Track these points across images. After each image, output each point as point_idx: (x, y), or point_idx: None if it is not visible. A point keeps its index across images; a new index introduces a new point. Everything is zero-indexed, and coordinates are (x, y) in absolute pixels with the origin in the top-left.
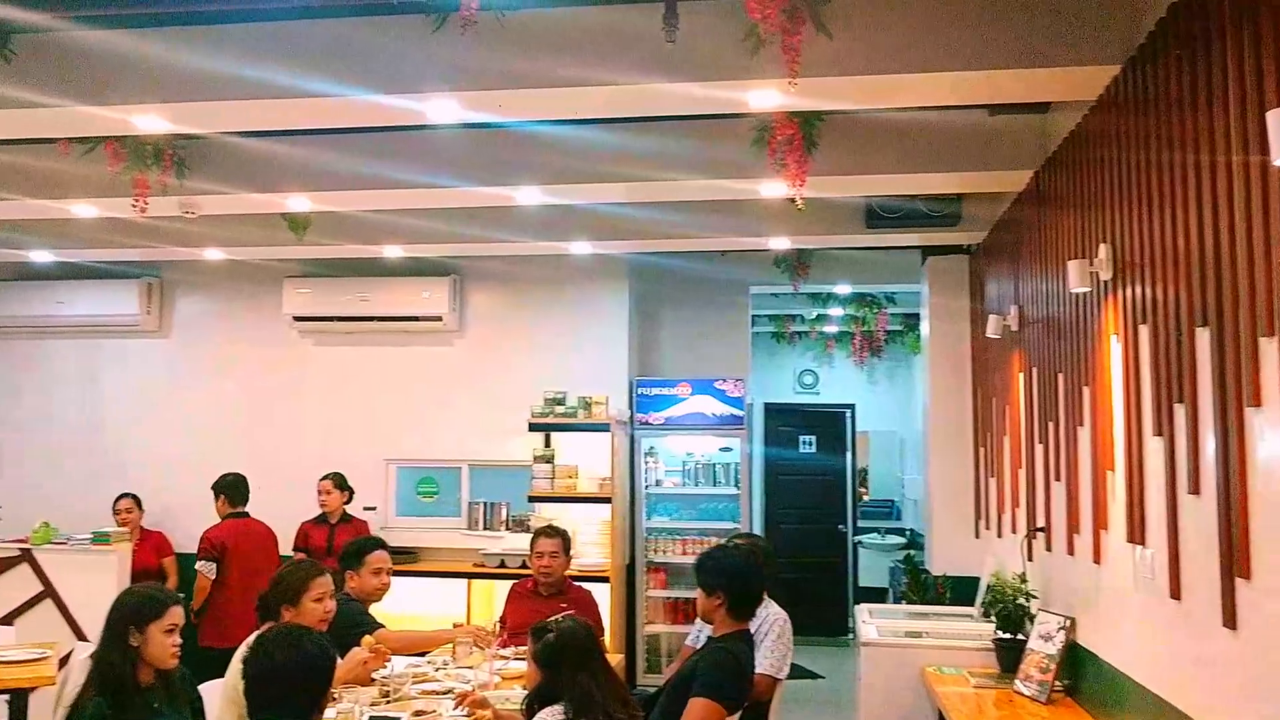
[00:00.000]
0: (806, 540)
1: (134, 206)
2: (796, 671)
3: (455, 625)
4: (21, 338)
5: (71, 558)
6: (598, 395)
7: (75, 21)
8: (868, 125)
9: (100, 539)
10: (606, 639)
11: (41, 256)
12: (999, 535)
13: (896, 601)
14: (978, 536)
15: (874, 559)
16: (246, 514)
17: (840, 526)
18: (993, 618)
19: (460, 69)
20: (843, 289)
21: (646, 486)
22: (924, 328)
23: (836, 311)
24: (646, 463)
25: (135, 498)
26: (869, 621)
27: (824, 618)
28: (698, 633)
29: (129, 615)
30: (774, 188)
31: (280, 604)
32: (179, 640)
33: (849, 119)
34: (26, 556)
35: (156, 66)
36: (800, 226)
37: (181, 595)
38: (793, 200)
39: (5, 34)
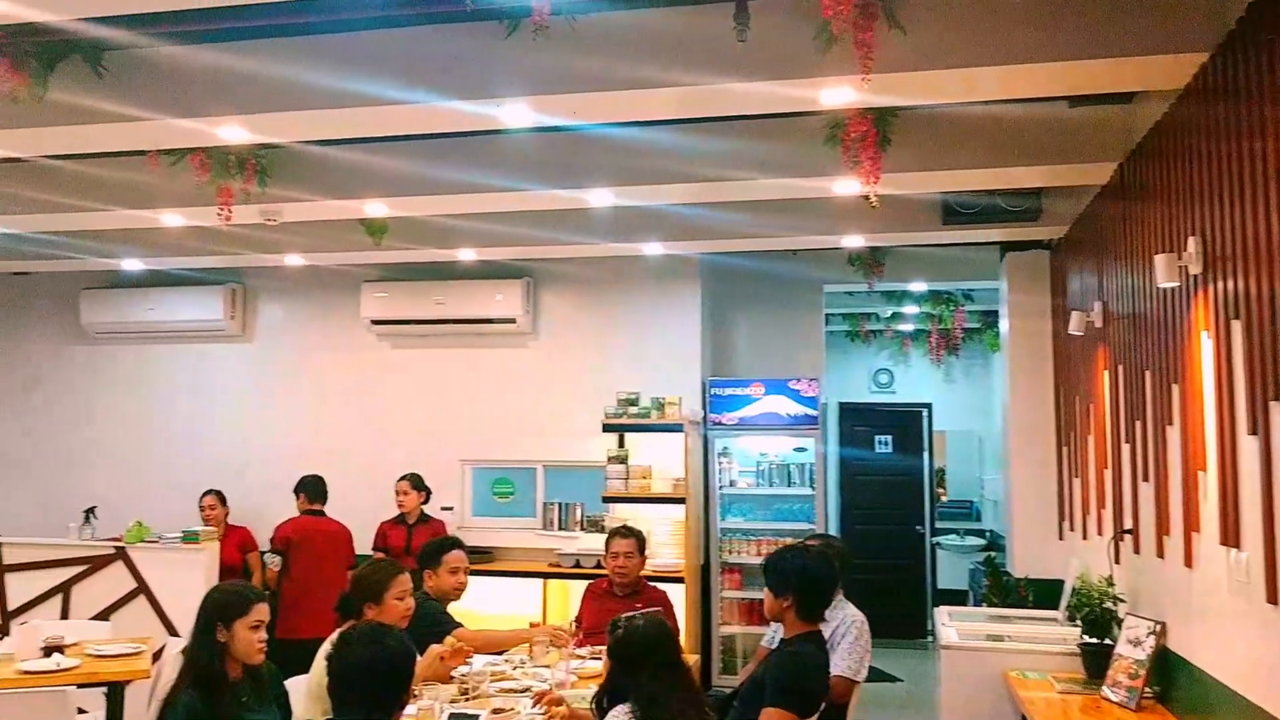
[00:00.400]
0: (883, 542)
1: (219, 215)
2: (874, 674)
3: (532, 625)
4: (114, 343)
5: (163, 556)
6: (671, 396)
7: (161, 38)
8: (944, 119)
9: (190, 538)
10: (682, 640)
11: (132, 265)
12: (1084, 537)
13: (977, 604)
14: (1061, 538)
15: (953, 561)
16: (321, 512)
17: (918, 528)
18: (1078, 621)
19: (533, 73)
20: (918, 286)
21: (720, 487)
22: (1003, 325)
23: (912, 309)
24: (720, 463)
25: (219, 494)
26: (949, 624)
27: (902, 620)
28: (773, 634)
29: (216, 612)
30: (847, 185)
31: (364, 602)
32: (265, 636)
33: (924, 114)
34: (121, 555)
35: (238, 79)
36: (874, 224)
37: (266, 592)
38: (867, 198)
39: (98, 51)
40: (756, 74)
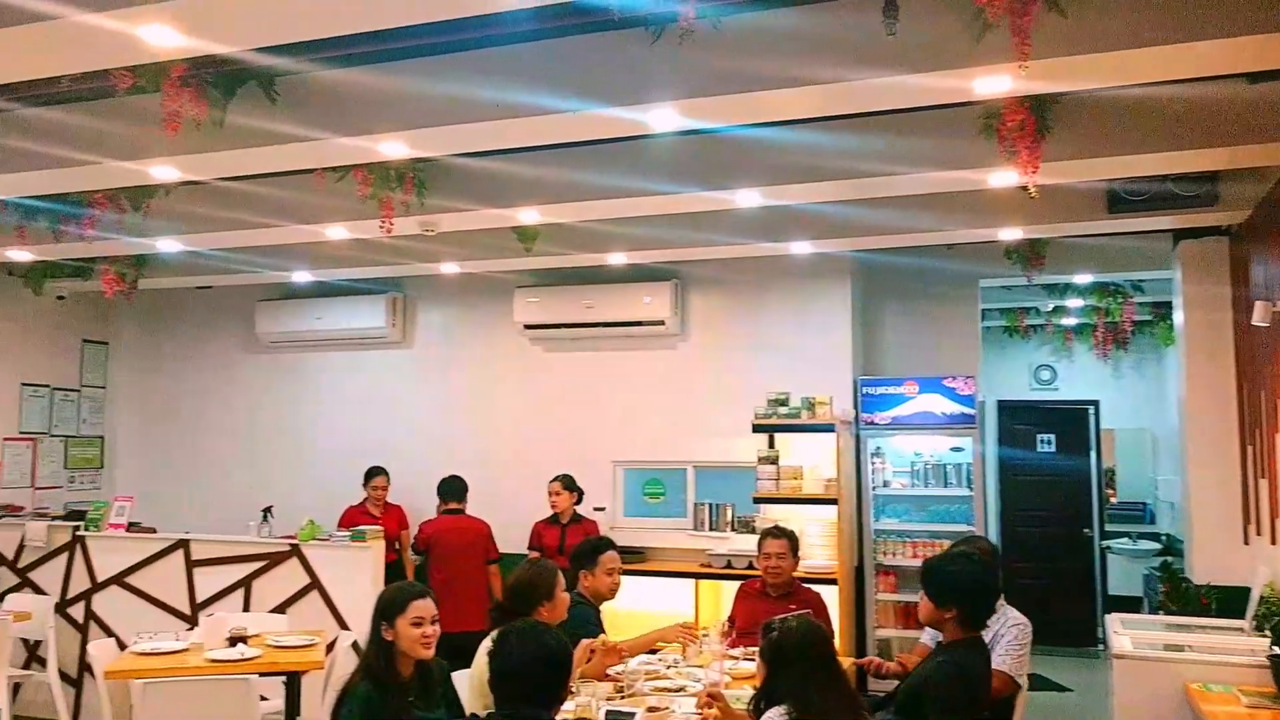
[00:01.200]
0: (1047, 545)
1: (380, 227)
2: (1041, 683)
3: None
4: (286, 350)
5: (333, 553)
6: (821, 395)
7: (326, 63)
8: (1108, 103)
9: (358, 536)
10: (836, 642)
11: (302, 277)
12: (1272, 541)
13: (1153, 611)
14: (1247, 543)
15: (1125, 566)
16: (458, 510)
17: (1085, 531)
18: (1267, 631)
19: (679, 77)
20: (1082, 278)
21: (874, 487)
22: (1177, 317)
23: (1076, 302)
24: (873, 463)
25: (386, 473)
26: (1122, 632)
27: (1070, 628)
28: (932, 634)
29: (381, 611)
30: (1004, 176)
31: (538, 601)
32: (429, 632)
33: (1086, 98)
34: (295, 551)
35: (398, 97)
36: (1033, 215)
37: (428, 590)
38: (1025, 188)
39: (271, 78)
40: (906, 67)
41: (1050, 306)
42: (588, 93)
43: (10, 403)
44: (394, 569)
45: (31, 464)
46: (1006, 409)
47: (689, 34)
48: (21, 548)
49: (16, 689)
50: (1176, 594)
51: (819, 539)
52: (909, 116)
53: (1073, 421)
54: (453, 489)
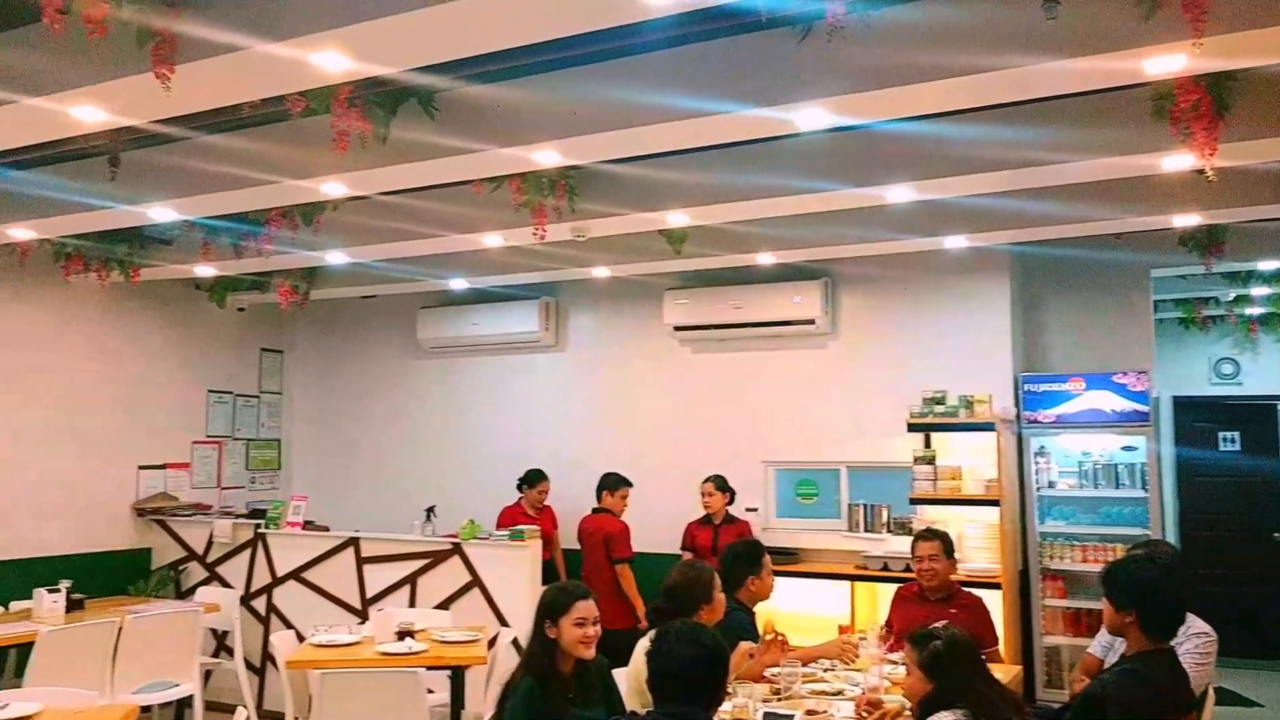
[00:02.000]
0: (1232, 550)
1: (534, 234)
2: (1229, 698)
3: (840, 629)
4: (445, 356)
5: (492, 551)
6: (980, 393)
7: (481, 78)
8: None
9: (516, 536)
10: (1001, 648)
11: (459, 284)
12: None
13: None
14: None
15: None
16: (600, 509)
17: (1276, 535)
18: None
19: (828, 75)
20: (1267, 265)
21: (1038, 488)
22: None
23: (1261, 291)
24: (1037, 463)
25: (547, 476)
26: None
27: (1261, 638)
28: (1105, 644)
29: (544, 610)
30: (1178, 160)
31: (698, 604)
32: (590, 633)
33: (1269, 74)
34: (457, 550)
35: (549, 107)
36: (1211, 200)
37: (590, 591)
38: (1201, 172)
39: (429, 96)
40: (1068, 50)
41: (1231, 296)
42: (735, 94)
43: (199, 409)
44: (547, 568)
45: (217, 466)
46: (1184, 405)
47: (838, 30)
48: (210, 544)
49: (208, 676)
50: None
51: (979, 541)
52: (1071, 102)
53: (1258, 418)
54: (599, 486)
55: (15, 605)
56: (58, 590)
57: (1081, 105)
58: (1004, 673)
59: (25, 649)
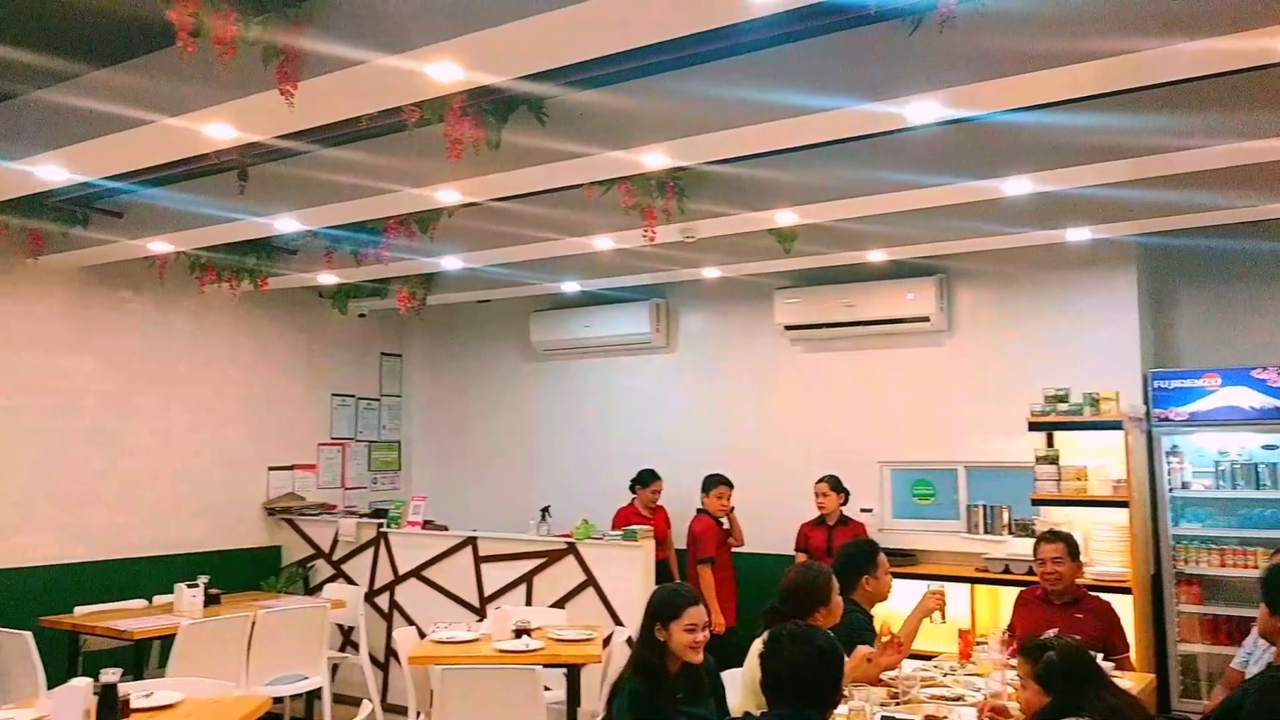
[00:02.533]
0: None
1: (644, 236)
2: None
3: (961, 632)
4: (558, 358)
5: (606, 551)
6: (1105, 391)
7: (588, 84)
8: None
9: (629, 536)
10: (1132, 655)
11: (571, 287)
12: None
13: None
14: None
15: None
16: (700, 509)
17: None
18: None
19: (941, 66)
20: None
21: (1171, 489)
22: None
23: None
24: (1169, 463)
25: (660, 477)
26: None
27: None
28: (1246, 654)
29: (655, 613)
30: None
31: (815, 606)
32: (700, 638)
33: None
34: (571, 549)
35: (656, 110)
36: None
37: (700, 596)
38: None
39: (539, 102)
40: (1197, 32)
41: None
42: (844, 89)
43: (324, 412)
44: (661, 568)
45: (341, 467)
46: None
47: (950, 20)
48: (335, 542)
49: (335, 669)
50: None
51: (1107, 544)
52: (1200, 85)
53: None
54: (710, 484)
55: (158, 599)
56: (196, 585)
57: (1210, 88)
58: (1136, 681)
59: (167, 641)
